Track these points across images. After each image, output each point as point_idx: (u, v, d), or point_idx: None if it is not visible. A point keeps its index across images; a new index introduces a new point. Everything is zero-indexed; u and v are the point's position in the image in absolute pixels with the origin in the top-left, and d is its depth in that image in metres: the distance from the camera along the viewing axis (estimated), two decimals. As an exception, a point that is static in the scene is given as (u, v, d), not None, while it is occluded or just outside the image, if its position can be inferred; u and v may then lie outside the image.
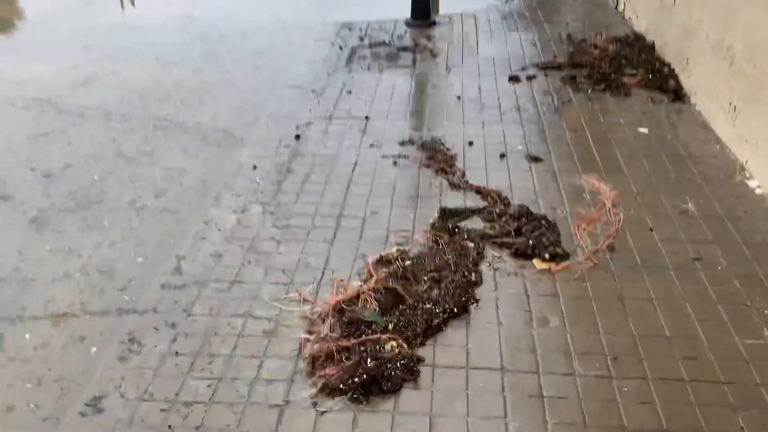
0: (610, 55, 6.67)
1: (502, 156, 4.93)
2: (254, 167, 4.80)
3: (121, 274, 3.89)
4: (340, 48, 7.30)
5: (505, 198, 4.36)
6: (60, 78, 6.64)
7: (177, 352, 3.14)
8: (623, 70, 6.42)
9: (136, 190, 4.70)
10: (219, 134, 5.53)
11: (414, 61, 6.90)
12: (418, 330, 3.16)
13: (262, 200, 4.38)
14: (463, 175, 4.66)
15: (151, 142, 5.40)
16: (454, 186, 4.53)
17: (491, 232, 3.96)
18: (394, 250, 3.80)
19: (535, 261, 3.72)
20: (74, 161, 5.07)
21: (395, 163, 4.84)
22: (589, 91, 6.05)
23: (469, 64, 6.79)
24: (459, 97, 5.98)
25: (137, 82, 6.55)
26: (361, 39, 7.57)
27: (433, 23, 8.08)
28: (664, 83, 6.11)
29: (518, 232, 3.95)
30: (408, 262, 3.67)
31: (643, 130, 5.30)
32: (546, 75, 6.44)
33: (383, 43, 7.40)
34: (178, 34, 8.01)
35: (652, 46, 6.82)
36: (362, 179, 4.63)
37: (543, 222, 4.06)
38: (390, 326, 3.17)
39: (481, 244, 3.86)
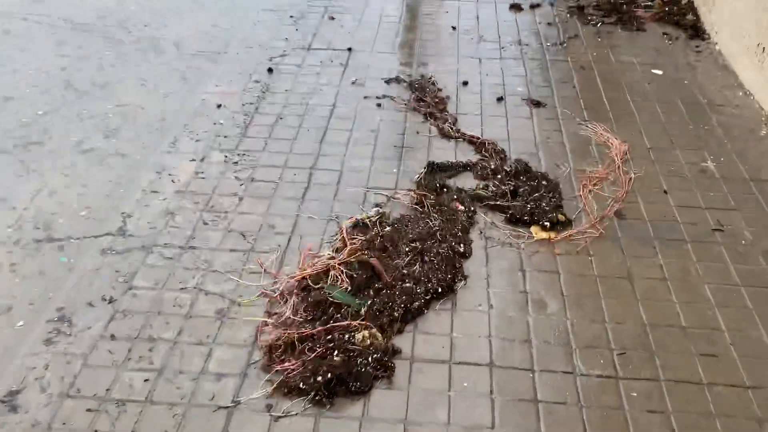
0: (624, -16, 6.01)
1: (500, 99, 4.38)
2: (218, 106, 4.23)
3: (59, 229, 3.39)
4: None
5: (502, 151, 3.84)
6: (10, -7, 5.94)
7: (113, 336, 2.68)
8: (637, 1, 5.79)
9: (85, 129, 4.14)
10: (182, 64, 4.92)
11: (406, -15, 6.22)
12: (396, 314, 2.71)
13: (225, 147, 3.84)
14: (455, 121, 4.12)
15: (105, 71, 4.79)
16: (444, 134, 4.00)
17: (484, 192, 3.46)
18: (372, 212, 3.31)
19: (532, 229, 3.25)
20: (16, 93, 4.48)
21: (379, 105, 4.29)
22: (599, 24, 5.44)
23: (467, -12, 6.12)
24: (454, 28, 5.35)
25: (97, 1, 5.86)
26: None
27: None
28: (682, 17, 5.51)
29: (515, 193, 3.45)
30: (388, 228, 3.18)
31: (658, 71, 4.73)
32: (551, 4, 5.80)
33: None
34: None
35: (670, -26, 6.16)
36: (341, 124, 4.08)
37: (543, 181, 3.56)
38: (363, 310, 2.71)
39: (472, 207, 3.37)
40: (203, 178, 3.59)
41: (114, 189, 3.66)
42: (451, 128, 4.04)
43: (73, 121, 4.21)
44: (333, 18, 5.48)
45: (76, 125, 4.17)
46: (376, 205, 3.38)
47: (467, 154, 3.82)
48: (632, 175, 3.65)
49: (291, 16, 5.50)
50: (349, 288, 2.79)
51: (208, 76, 4.69)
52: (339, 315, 2.70)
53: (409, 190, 3.51)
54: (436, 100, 4.35)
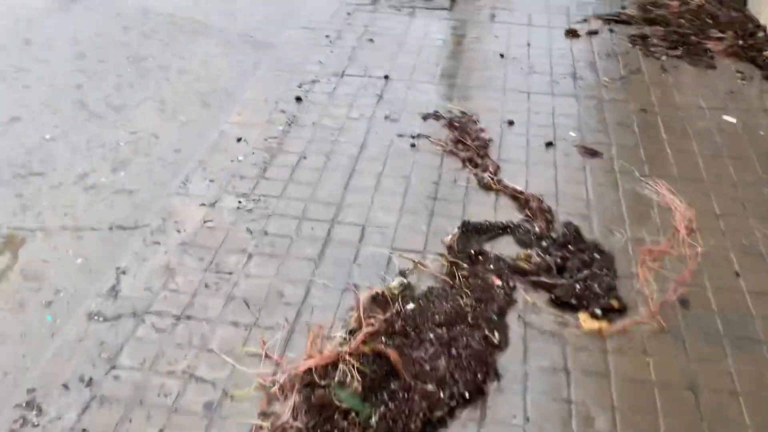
0: (693, 11, 5.48)
1: (549, 144, 3.92)
2: (238, 139, 3.86)
3: (50, 281, 3.06)
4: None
5: (548, 210, 3.38)
6: (37, -2, 5.69)
7: (84, 431, 2.33)
8: (707, 31, 5.25)
9: (92, 160, 3.82)
10: (206, 86, 4.57)
11: (453, 2, 5.76)
12: (413, 427, 2.29)
13: (240, 189, 3.47)
14: (497, 169, 3.68)
15: (123, 91, 4.47)
16: (484, 185, 3.56)
17: (526, 265, 3.01)
18: (395, 282, 2.89)
19: (581, 316, 2.79)
20: (25, 112, 4.19)
21: (413, 146, 3.87)
22: (664, 58, 4.92)
23: (519, 10, 5.64)
24: (502, 56, 4.89)
25: (124, 9, 5.56)
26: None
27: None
28: (758, 53, 4.95)
29: (562, 268, 3.00)
30: (411, 306, 2.77)
31: (730, 119, 4.21)
32: (611, 31, 5.29)
33: (419, -21, 6.24)
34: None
35: (745, 2, 5.59)
36: (369, 166, 3.67)
37: (595, 253, 3.10)
38: (374, 419, 2.30)
39: (510, 282, 2.93)
40: (212, 227, 3.22)
41: (114, 234, 3.32)
42: (492, 178, 3.60)
43: (80, 150, 3.89)
44: (372, 40, 5.07)
45: (83, 155, 3.85)
46: (400, 273, 2.97)
47: (508, 212, 3.38)
48: (699, 250, 3.16)
49: (327, 36, 5.11)
50: (360, 388, 2.39)
51: (232, 102, 4.33)
52: (345, 423, 2.29)
53: (440, 254, 3.08)
54: (477, 142, 3.90)
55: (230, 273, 2.97)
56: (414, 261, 3.04)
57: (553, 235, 3.21)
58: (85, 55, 4.86)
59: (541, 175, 3.65)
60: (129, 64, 4.78)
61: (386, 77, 4.56)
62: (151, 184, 3.67)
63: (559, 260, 3.04)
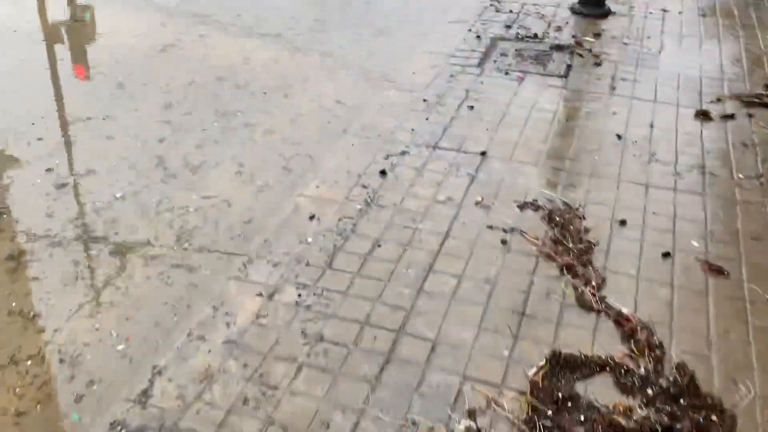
0: None
1: (666, 255, 3.34)
2: (311, 217, 3.52)
3: (86, 368, 2.81)
4: (477, 37, 5.77)
5: (659, 345, 2.81)
6: (142, 40, 5.65)
7: None
8: None
9: (157, 226, 3.59)
10: (290, 149, 4.29)
11: (568, 68, 5.26)
12: None
13: (303, 279, 3.11)
14: (602, 283, 3.14)
15: (204, 149, 4.25)
16: (583, 303, 3.03)
17: (624, 421, 2.46)
18: (461, 428, 2.43)
19: (690, 505, 2.22)
20: (102, 165, 4.04)
21: (504, 242, 3.39)
22: (814, 153, 4.21)
23: (645, 81, 5.06)
24: (620, 137, 4.34)
25: (223, 57, 5.42)
26: (508, 27, 5.98)
27: (608, 13, 6.30)
28: None
29: (669, 429, 2.43)
30: (476, 463, 2.29)
31: None
32: (750, 115, 4.62)
33: (534, 37, 5.78)
34: (293, -6, 6.79)
35: None
36: (450, 265, 3.23)
37: (713, 414, 2.51)
38: None
39: (603, 442, 2.40)
40: (264, 325, 2.87)
41: (163, 318, 3.03)
42: (594, 294, 3.07)
43: (148, 213, 3.67)
44: (472, 107, 4.65)
45: (150, 219, 3.63)
46: (470, 414, 2.49)
47: (610, 342, 2.83)
48: None
49: (425, 100, 4.73)
50: None
51: (313, 170, 4.01)
52: None
53: (520, 393, 2.58)
54: (580, 245, 3.38)
55: (275, 388, 2.59)
56: (489, 398, 2.56)
57: (662, 381, 2.64)
58: (173, 105, 4.71)
59: (653, 296, 3.08)
60: (216, 118, 4.59)
61: (483, 154, 4.12)
62: (213, 260, 3.38)
63: (666, 418, 2.47)
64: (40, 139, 4.22)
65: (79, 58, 5.46)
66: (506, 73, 5.16)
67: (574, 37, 5.80)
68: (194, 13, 6.16)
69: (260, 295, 3.03)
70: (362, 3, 6.68)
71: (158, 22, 5.99)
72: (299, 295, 3.03)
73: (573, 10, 6.34)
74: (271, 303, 2.99)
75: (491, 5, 6.48)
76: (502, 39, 5.76)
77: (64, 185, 3.81)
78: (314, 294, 3.03)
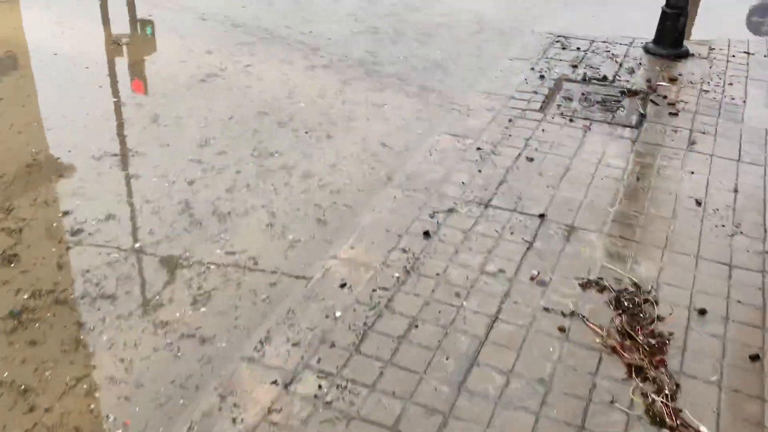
0: None
1: (755, 359, 2.82)
2: (342, 285, 3.13)
3: (75, 457, 2.46)
4: (540, 77, 5.32)
5: (748, 483, 2.31)
6: (184, 68, 5.39)
7: None
8: None
9: (174, 285, 3.24)
10: (327, 199, 3.91)
11: (641, 118, 4.76)
12: None
13: (326, 366, 2.71)
14: (676, 392, 2.65)
15: (234, 194, 3.91)
16: (654, 416, 2.55)
17: None
18: None
19: None
20: (124, 209, 3.73)
21: (563, 330, 2.93)
22: None
23: (727, 135, 4.54)
24: (699, 203, 3.82)
25: (267, 90, 5.10)
26: (574, 67, 5.51)
27: (685, 55, 5.77)
28: None
29: None
30: None
31: None
32: None
33: (603, 79, 5.30)
34: (345, 22, 6.45)
35: None
36: (497, 356, 2.78)
37: None
38: None
39: None
40: (276, 424, 2.47)
41: (168, 399, 2.67)
42: (666, 405, 2.58)
43: (164, 271, 3.33)
44: (531, 159, 4.20)
45: (167, 277, 3.29)
46: None
47: (686, 472, 2.35)
48: None
49: (479, 148, 4.30)
50: None
51: (351, 223, 3.63)
52: None
53: None
54: (652, 339, 2.89)
55: None
56: None
57: None
58: (208, 142, 4.40)
59: (738, 411, 2.58)
60: (252, 158, 4.25)
61: (542, 216, 3.66)
62: (230, 329, 3.02)
63: None
64: (61, 176, 3.95)
65: (138, 73, 5.34)
66: (571, 120, 4.69)
67: (647, 81, 5.30)
68: (242, 42, 5.88)
69: (275, 383, 2.64)
70: (419, 33, 6.30)
71: (204, 48, 5.73)
72: (319, 387, 2.63)
73: (647, 50, 5.83)
74: (286, 395, 2.59)
75: (557, 41, 6.03)
76: (568, 80, 5.30)
77: (79, 232, 3.51)
78: (337, 386, 2.62)
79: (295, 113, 4.82)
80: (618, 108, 4.88)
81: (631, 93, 5.08)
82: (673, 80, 5.33)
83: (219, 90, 5.07)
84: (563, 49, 5.88)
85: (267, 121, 4.70)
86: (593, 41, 6.04)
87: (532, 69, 5.48)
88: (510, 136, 4.48)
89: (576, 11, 6.98)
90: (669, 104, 4.96)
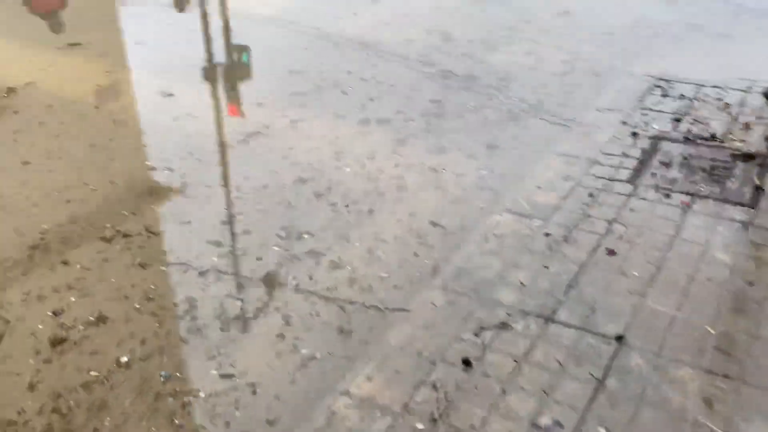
0: None
1: None
2: (349, 438, 2.47)
3: None
4: (634, 134, 4.47)
5: None
6: (226, 125, 4.92)
7: None
8: None
9: (153, 419, 2.69)
10: (356, 296, 3.27)
11: (757, 192, 3.83)
12: None
13: None
14: None
15: (249, 291, 3.33)
16: None
17: None
18: None
19: None
20: (118, 311, 3.22)
21: None
22: None
23: None
24: (834, 325, 2.90)
25: (312, 150, 4.53)
26: (677, 121, 4.62)
27: (816, 104, 4.75)
28: None
29: None
30: None
31: None
32: None
33: (711, 139, 4.39)
34: (413, 64, 5.80)
35: None
36: None
37: None
38: None
39: None
40: None
41: None
42: None
43: (148, 395, 2.79)
44: (613, 252, 3.39)
45: (147, 406, 2.74)
46: None
47: None
48: None
49: (547, 234, 3.54)
50: None
51: (379, 335, 2.97)
52: None
53: None
54: None
55: None
56: None
57: None
58: (234, 218, 3.87)
59: None
60: (278, 240, 3.68)
61: (620, 339, 2.86)
62: (205, 490, 2.43)
63: None
64: (64, 263, 3.52)
65: (234, 98, 5.32)
66: (667, 196, 3.83)
67: (767, 140, 4.33)
68: (296, 91, 5.35)
69: None
70: (496, 76, 5.57)
71: (254, 100, 5.25)
72: None
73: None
74: None
75: (658, 86, 5.14)
76: (667, 139, 4.42)
77: (62, 341, 3.04)
78: None
79: (338, 180, 4.21)
80: (728, 178, 3.97)
81: (746, 157, 4.15)
82: (802, 139, 4.34)
83: (259, 152, 4.54)
84: (664, 96, 4.98)
85: (305, 190, 4.11)
86: (702, 86, 5.10)
87: (624, 123, 4.63)
88: (589, 217, 3.68)
89: (686, 48, 6.02)
90: (796, 173, 4.00)
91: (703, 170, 4.05)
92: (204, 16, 6.90)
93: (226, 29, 6.59)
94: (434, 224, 3.80)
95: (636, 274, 3.24)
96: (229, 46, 6.36)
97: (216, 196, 4.08)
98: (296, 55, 6.04)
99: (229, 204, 4.00)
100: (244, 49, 6.18)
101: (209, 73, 5.90)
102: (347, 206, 3.98)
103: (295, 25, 6.68)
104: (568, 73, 5.59)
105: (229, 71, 5.96)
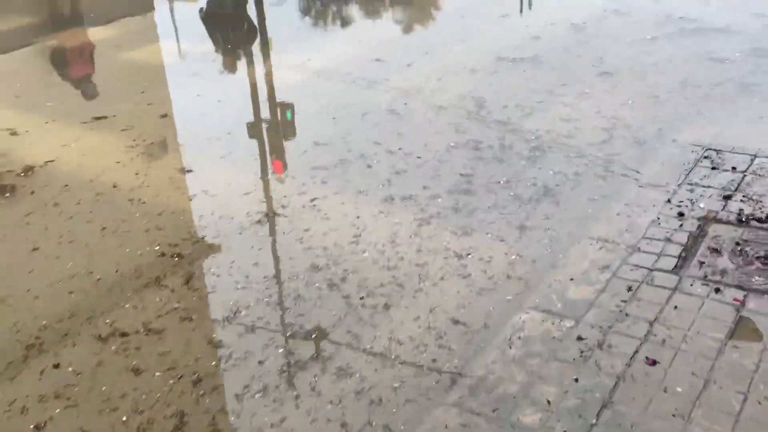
0: None
1: None
2: None
3: None
4: (680, 215, 4.07)
5: None
6: (241, 203, 4.71)
7: None
8: None
9: None
10: (358, 418, 2.93)
11: (824, 288, 3.38)
12: None
13: None
14: None
15: (246, 402, 3.04)
16: None
17: None
18: None
19: None
20: (95, 426, 2.97)
21: None
22: None
23: None
24: None
25: (329, 232, 4.26)
26: (727, 198, 4.21)
27: None
28: None
29: None
30: None
31: None
32: None
33: (767, 220, 3.95)
34: (444, 133, 5.52)
35: None
36: None
37: None
38: None
39: None
40: None
41: None
42: None
43: None
44: (654, 363, 2.98)
45: None
46: None
47: None
48: None
49: (580, 338, 3.16)
50: None
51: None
52: None
53: None
54: None
55: None
56: None
57: None
58: (239, 314, 3.60)
59: None
60: (281, 344, 3.39)
61: (660, 478, 2.46)
62: None
63: None
64: (56, 366, 3.30)
65: (279, 155, 5.48)
66: (717, 290, 3.42)
67: (835, 221, 3.88)
68: (319, 165, 5.11)
69: None
70: (530, 146, 5.25)
71: (277, 175, 5.06)
72: None
73: (833, 170, 4.38)
74: None
75: (706, 157, 4.73)
76: (717, 220, 4.00)
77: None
78: None
79: (354, 268, 3.93)
80: (789, 269, 3.53)
81: (810, 244, 3.70)
82: None
83: (273, 235, 4.31)
84: (713, 169, 4.57)
85: (318, 279, 3.84)
86: (755, 156, 4.67)
87: (669, 201, 4.23)
88: (627, 316, 3.29)
89: (738, 111, 5.59)
90: None
91: (759, 258, 3.62)
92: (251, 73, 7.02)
93: (270, 86, 6.64)
94: (455, 322, 3.47)
95: (679, 390, 2.83)
96: (274, 104, 6.42)
97: (223, 286, 3.84)
98: (323, 125, 5.85)
99: (234, 298, 3.74)
100: (288, 106, 6.19)
101: (253, 130, 5.92)
102: (362, 299, 3.68)
103: (325, 91, 6.52)
104: (607, 141, 5.22)
105: (273, 129, 6.01)
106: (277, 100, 6.47)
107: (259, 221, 4.45)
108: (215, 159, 5.32)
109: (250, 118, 6.15)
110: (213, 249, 4.19)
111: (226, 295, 3.77)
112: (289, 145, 5.67)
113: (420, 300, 3.65)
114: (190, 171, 5.15)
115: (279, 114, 6.24)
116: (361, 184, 4.83)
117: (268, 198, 4.73)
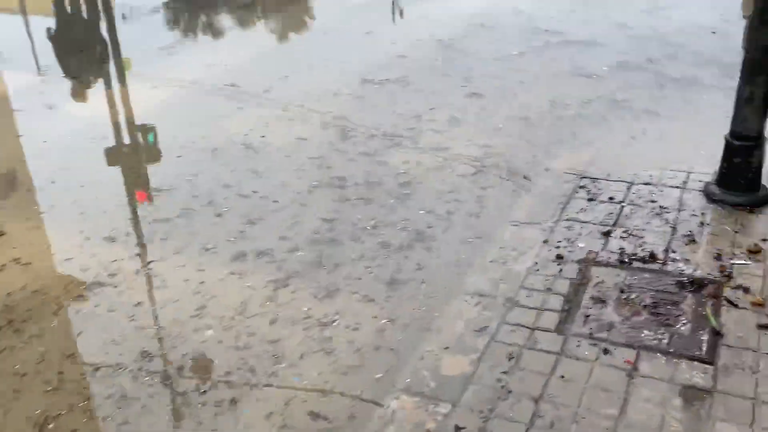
0: None
1: None
2: None
3: None
4: (558, 257, 3.72)
5: None
6: (65, 269, 3.96)
7: None
8: None
9: None
10: None
11: (715, 336, 3.08)
12: None
13: None
14: None
15: None
16: None
17: None
18: None
19: None
20: None
21: None
22: None
23: None
24: None
25: (166, 305, 3.59)
26: (606, 234, 3.90)
27: (766, 201, 4.11)
28: None
29: None
30: None
31: None
32: None
33: (650, 259, 3.66)
34: (305, 171, 4.95)
35: None
36: None
37: None
38: None
39: None
40: None
41: None
42: None
43: None
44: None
45: None
46: None
47: None
48: None
49: (457, 428, 2.67)
50: None
51: None
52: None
53: None
54: None
55: None
56: None
57: None
58: (48, 426, 2.89)
59: None
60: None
61: None
62: None
63: None
64: None
65: (141, 183, 5.00)
66: (605, 352, 3.05)
67: (716, 258, 3.63)
68: (159, 218, 4.41)
69: None
70: (398, 181, 4.78)
71: (105, 233, 4.30)
72: None
73: (710, 196, 4.17)
74: None
75: (582, 186, 4.43)
76: (598, 262, 3.67)
77: None
78: None
79: (195, 350, 3.29)
80: (677, 317, 3.22)
81: (694, 286, 3.42)
82: (754, 252, 3.65)
83: (98, 312, 3.59)
84: (590, 200, 4.26)
85: (150, 370, 3.17)
86: (632, 183, 4.41)
87: (546, 242, 3.87)
88: (510, 393, 2.85)
89: (611, 130, 5.38)
90: (754, 304, 3.27)
91: (646, 307, 3.30)
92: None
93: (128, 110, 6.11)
94: (315, 416, 2.91)
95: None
96: (133, 127, 5.90)
97: (29, 389, 3.10)
98: (165, 163, 5.14)
99: (42, 406, 3.01)
100: (150, 129, 5.72)
101: (112, 156, 5.38)
102: (203, 393, 3.05)
103: (171, 121, 5.80)
104: (479, 172, 4.84)
105: (133, 154, 5.57)
106: (135, 124, 5.88)
107: (80, 295, 3.71)
108: (33, 216, 4.50)
109: (83, 159, 5.32)
110: (19, 337, 3.43)
111: (32, 402, 3.03)
112: (140, 182, 4.94)
113: (273, 390, 3.06)
114: (1, 234, 4.31)
115: (141, 137, 5.73)
116: (208, 239, 4.18)
117: (95, 264, 3.98)
